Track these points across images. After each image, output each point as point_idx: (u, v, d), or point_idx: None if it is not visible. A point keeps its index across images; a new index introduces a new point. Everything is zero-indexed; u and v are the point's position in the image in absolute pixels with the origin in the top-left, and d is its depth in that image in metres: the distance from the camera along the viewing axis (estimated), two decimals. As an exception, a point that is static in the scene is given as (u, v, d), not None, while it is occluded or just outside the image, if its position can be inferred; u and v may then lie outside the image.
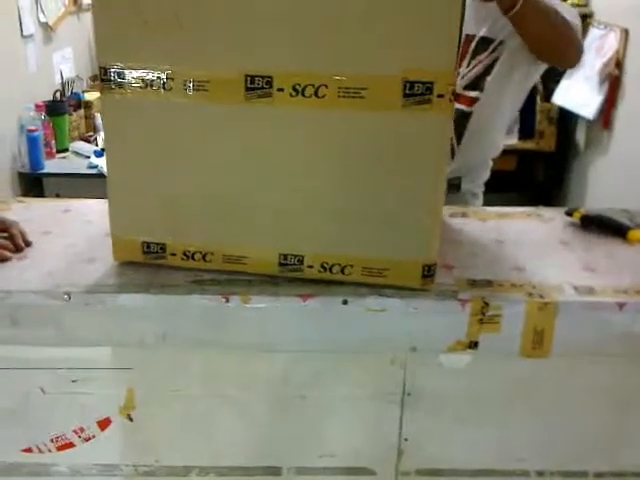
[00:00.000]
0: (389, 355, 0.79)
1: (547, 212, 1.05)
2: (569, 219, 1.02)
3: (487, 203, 1.38)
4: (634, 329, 0.75)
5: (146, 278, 0.79)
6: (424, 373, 0.80)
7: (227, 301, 0.76)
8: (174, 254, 0.81)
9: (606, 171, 2.17)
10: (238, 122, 0.74)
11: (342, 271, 0.78)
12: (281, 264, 0.79)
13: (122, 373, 0.81)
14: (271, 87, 0.71)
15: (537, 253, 0.89)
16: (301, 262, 0.78)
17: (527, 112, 2.35)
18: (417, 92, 0.69)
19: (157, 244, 0.81)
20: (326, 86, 0.70)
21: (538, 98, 2.35)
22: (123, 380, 0.81)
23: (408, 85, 0.69)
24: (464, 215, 1.04)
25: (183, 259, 0.81)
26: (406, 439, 0.83)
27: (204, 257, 0.80)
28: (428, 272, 0.77)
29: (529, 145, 2.36)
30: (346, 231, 0.77)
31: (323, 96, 0.71)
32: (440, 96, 0.69)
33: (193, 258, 0.80)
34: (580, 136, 2.27)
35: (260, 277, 0.79)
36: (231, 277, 0.80)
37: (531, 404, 0.81)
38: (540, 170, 2.47)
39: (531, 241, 0.94)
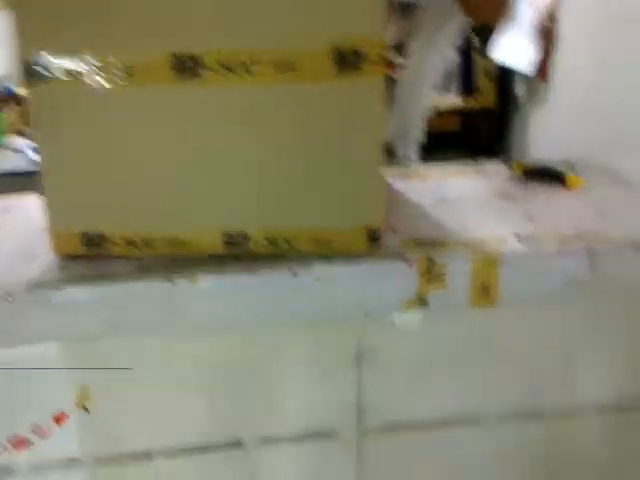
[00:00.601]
0: (342, 321, 0.80)
1: (488, 166, 1.07)
2: (510, 172, 1.04)
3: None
4: (576, 274, 0.77)
5: (89, 270, 0.78)
6: (378, 335, 0.81)
7: (174, 284, 0.75)
8: (116, 243, 0.79)
9: (547, 123, 2.19)
10: (170, 105, 0.73)
11: (288, 243, 0.78)
12: (226, 243, 0.78)
13: (74, 366, 0.80)
14: (200, 67, 0.70)
15: (479, 208, 0.91)
16: (246, 238, 0.78)
17: (465, 68, 2.36)
18: (348, 60, 0.69)
19: (98, 235, 0.79)
20: (256, 62, 0.69)
21: (475, 54, 2.36)
22: (76, 373, 0.80)
23: (339, 54, 0.69)
24: (406, 177, 1.05)
25: (126, 247, 0.79)
26: (365, 400, 0.84)
27: (147, 243, 0.79)
28: (374, 237, 0.77)
29: (470, 103, 2.38)
30: (289, 203, 0.77)
31: (254, 72, 0.70)
32: (371, 62, 0.69)
33: (136, 245, 0.79)
34: (520, 90, 2.30)
35: (206, 258, 0.79)
36: (176, 261, 0.79)
37: (484, 354, 0.83)
38: (484, 127, 2.49)
39: (473, 196, 0.95)
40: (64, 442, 0.84)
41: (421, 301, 0.78)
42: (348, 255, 0.77)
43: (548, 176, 0.99)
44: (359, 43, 0.68)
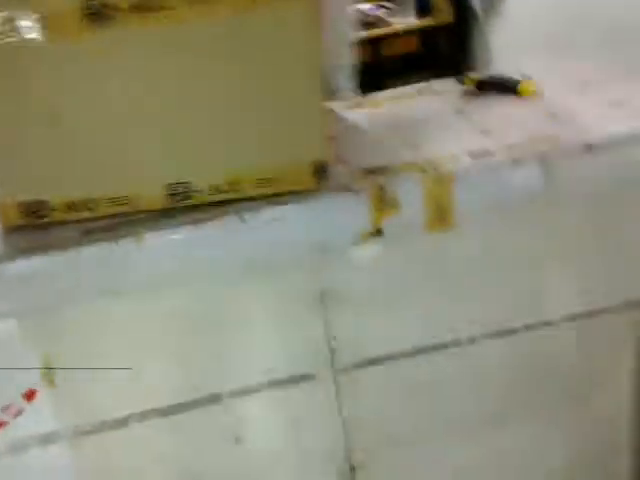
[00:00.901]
0: (300, 261, 0.78)
1: (440, 85, 1.03)
2: (463, 87, 1.00)
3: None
4: (531, 182, 0.75)
5: (33, 240, 0.75)
6: (338, 270, 0.79)
7: (119, 246, 0.72)
8: (56, 209, 0.76)
9: (505, 33, 2.15)
10: (89, 57, 0.68)
11: (233, 189, 0.75)
12: (169, 195, 0.75)
13: (33, 341, 0.78)
14: (112, 10, 0.65)
15: (432, 128, 0.88)
16: (189, 188, 0.75)
17: (419, -13, 2.29)
18: None
19: (36, 202, 0.76)
20: None
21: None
22: (36, 347, 0.79)
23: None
24: (359, 106, 1.01)
25: (67, 212, 0.76)
26: (335, 337, 0.83)
27: (88, 206, 0.76)
28: (321, 171, 0.74)
29: (427, 21, 2.31)
30: (227, 146, 0.74)
31: (172, 8, 0.65)
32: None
33: (77, 209, 0.76)
34: (476, 3, 2.23)
35: (151, 213, 0.76)
36: (122, 220, 0.76)
37: (448, 275, 0.82)
38: (444, 45, 2.44)
39: (426, 117, 0.92)
40: (38, 418, 0.83)
41: (376, 231, 0.76)
42: (297, 194, 0.75)
43: (500, 87, 0.96)
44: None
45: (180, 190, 0.75)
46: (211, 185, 0.75)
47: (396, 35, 2.29)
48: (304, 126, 0.73)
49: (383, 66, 2.32)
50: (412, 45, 2.34)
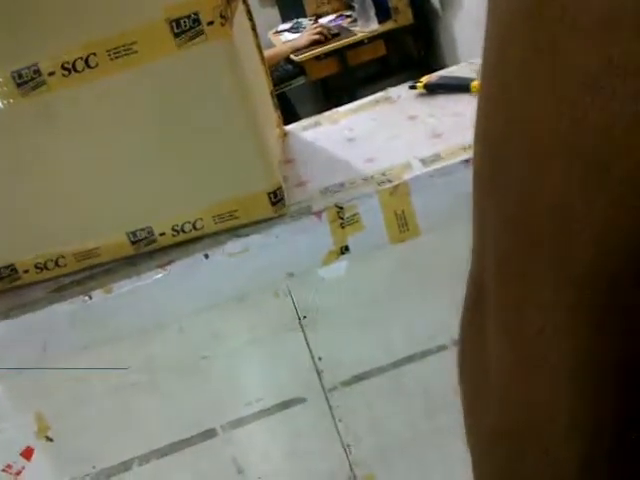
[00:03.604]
0: (271, 289, 0.79)
1: (395, 92, 1.04)
2: (415, 92, 1.01)
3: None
4: (483, 181, 0.76)
5: (5, 303, 0.77)
6: (310, 292, 0.80)
7: (90, 298, 0.74)
8: (27, 270, 0.78)
9: (468, 26, 2.16)
10: (25, 122, 0.70)
11: (194, 227, 0.76)
12: (133, 242, 0.76)
13: (22, 400, 0.80)
14: (41, 75, 0.67)
15: (386, 138, 0.89)
16: (152, 233, 0.76)
17: (377, -7, 2.30)
18: (186, 28, 0.66)
19: (6, 267, 0.78)
20: (94, 54, 0.66)
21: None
22: (26, 406, 0.80)
23: (175, 24, 0.66)
24: (317, 124, 1.02)
25: (37, 272, 0.78)
26: (320, 358, 0.84)
27: (57, 263, 0.77)
28: (275, 198, 0.75)
29: (390, 25, 2.32)
30: (181, 189, 0.75)
31: (95, 65, 0.67)
32: (210, 23, 0.66)
33: (47, 268, 0.77)
34: (435, 0, 2.24)
35: (118, 262, 0.77)
36: (92, 272, 0.77)
37: (421, 283, 0.82)
38: (409, 46, 2.45)
39: (380, 127, 0.93)
40: (40, 474, 0.84)
41: (342, 249, 0.77)
42: (257, 222, 0.76)
43: (452, 87, 0.97)
44: (192, 6, 0.64)
45: (143, 235, 0.76)
46: (173, 227, 0.76)
47: (361, 43, 2.30)
48: (250, 158, 0.74)
49: (353, 75, 2.33)
50: (378, 51, 2.35)
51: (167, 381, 0.82)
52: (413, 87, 1.01)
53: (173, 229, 0.76)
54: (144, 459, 0.86)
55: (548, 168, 0.23)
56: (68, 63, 0.66)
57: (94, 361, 0.79)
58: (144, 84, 0.68)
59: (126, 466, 0.86)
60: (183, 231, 0.76)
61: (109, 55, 0.66)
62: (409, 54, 2.42)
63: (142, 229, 0.76)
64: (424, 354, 0.87)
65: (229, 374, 0.83)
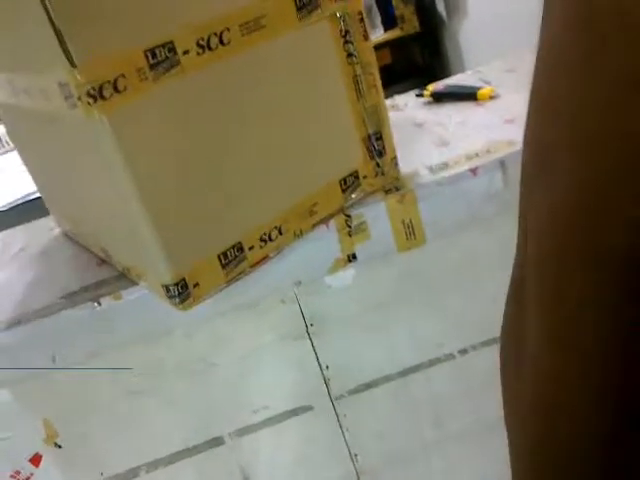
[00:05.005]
0: (278, 296, 0.79)
1: (401, 99, 1.05)
2: (422, 100, 1.01)
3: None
4: (490, 189, 0.76)
5: (15, 310, 0.77)
6: (318, 301, 0.80)
7: (99, 305, 0.74)
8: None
9: (474, 35, 2.16)
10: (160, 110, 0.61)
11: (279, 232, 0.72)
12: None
13: (30, 406, 0.80)
14: (175, 53, 0.60)
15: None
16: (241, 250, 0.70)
17: (383, 2, 2.31)
18: (306, 2, 0.66)
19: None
20: (228, 29, 0.62)
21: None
22: (35, 413, 0.80)
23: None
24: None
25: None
26: (327, 367, 0.84)
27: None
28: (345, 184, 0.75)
29: (396, 33, 2.33)
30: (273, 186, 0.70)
31: (228, 42, 0.62)
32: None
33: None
34: (440, 7, 2.25)
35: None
36: (102, 279, 0.78)
37: (427, 292, 0.83)
38: (416, 54, 2.45)
39: (388, 136, 0.93)
40: (48, 480, 0.84)
41: (350, 257, 0.77)
42: (266, 230, 0.76)
43: (458, 95, 0.97)
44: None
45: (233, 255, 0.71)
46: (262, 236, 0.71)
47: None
48: (348, 135, 0.73)
49: (359, 83, 2.33)
50: (384, 59, 2.36)
51: (175, 388, 0.82)
52: (420, 95, 1.02)
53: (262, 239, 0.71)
54: (152, 466, 0.86)
55: (593, 159, 0.24)
56: (203, 40, 0.61)
57: (103, 365, 0.79)
58: (271, 61, 0.66)
59: (134, 473, 0.86)
60: (270, 239, 0.71)
61: (241, 30, 0.63)
62: (414, 62, 2.43)
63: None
64: (431, 363, 0.87)
65: (236, 381, 0.83)
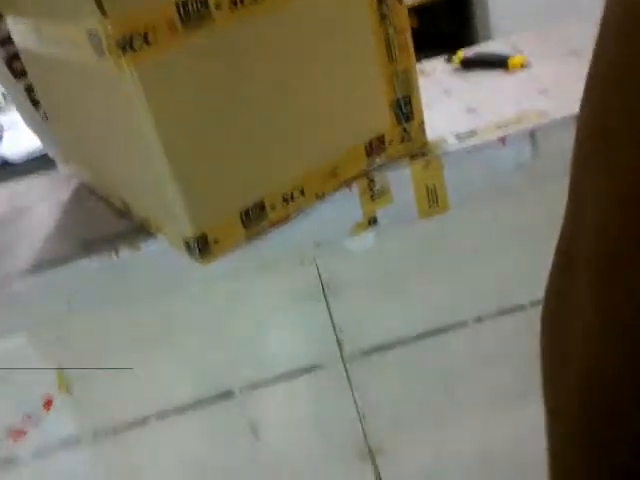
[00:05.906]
0: (296, 257, 0.79)
1: (428, 65, 1.03)
2: (451, 65, 0.99)
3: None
4: (518, 160, 0.75)
5: (33, 258, 0.77)
6: (335, 263, 0.80)
7: (117, 255, 0.74)
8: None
9: (503, 2, 2.12)
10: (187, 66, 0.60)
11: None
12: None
13: (44, 353, 0.81)
14: (207, 7, 0.58)
15: (421, 111, 0.87)
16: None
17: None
18: None
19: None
20: None
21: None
22: (49, 358, 0.81)
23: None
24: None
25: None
26: (341, 329, 0.84)
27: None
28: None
29: (425, -3, 2.28)
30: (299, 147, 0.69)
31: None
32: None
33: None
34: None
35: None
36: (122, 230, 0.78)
37: (446, 259, 0.82)
38: (443, 20, 2.41)
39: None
40: (58, 425, 0.86)
41: (370, 221, 0.76)
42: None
43: (489, 63, 0.95)
44: None
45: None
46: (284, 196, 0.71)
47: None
48: (375, 96, 0.72)
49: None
50: (412, 22, 2.31)
51: (188, 341, 0.83)
52: (449, 60, 1.00)
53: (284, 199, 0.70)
54: (161, 415, 0.87)
55: None
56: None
57: (119, 316, 0.80)
58: (305, 19, 0.64)
59: (143, 422, 0.87)
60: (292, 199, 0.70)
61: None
62: (441, 29, 2.38)
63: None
64: (446, 329, 0.87)
65: (249, 337, 0.84)
